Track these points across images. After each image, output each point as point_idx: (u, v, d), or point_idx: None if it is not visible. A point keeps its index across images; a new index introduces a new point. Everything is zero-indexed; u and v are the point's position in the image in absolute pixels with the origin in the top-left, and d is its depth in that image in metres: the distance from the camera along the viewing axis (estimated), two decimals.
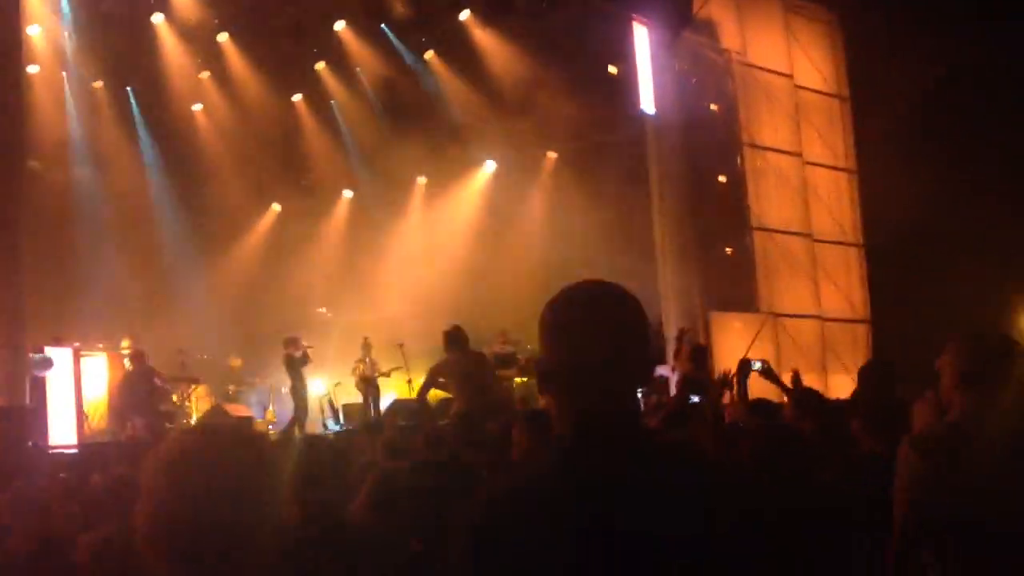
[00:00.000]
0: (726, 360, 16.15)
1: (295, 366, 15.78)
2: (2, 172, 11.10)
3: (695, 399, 7.65)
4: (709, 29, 19.10)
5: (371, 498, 4.43)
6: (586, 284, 2.14)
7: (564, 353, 2.05)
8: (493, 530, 1.93)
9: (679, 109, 17.84)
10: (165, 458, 1.94)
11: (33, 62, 16.68)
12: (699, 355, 12.01)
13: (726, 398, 7.05)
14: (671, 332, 17.53)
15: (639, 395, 2.20)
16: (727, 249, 18.98)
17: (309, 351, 16.04)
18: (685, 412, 5.86)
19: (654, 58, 18.03)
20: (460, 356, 10.13)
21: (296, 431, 15.17)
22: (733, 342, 17.98)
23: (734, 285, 18.66)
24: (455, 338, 10.17)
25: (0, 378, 10.51)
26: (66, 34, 17.00)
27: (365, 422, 11.10)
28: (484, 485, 3.85)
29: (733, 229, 19.05)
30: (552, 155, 20.49)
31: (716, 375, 16.84)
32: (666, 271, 17.77)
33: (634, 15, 17.98)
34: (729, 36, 19.33)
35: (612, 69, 18.48)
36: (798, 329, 18.94)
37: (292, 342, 16.00)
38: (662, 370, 16.71)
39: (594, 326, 2.04)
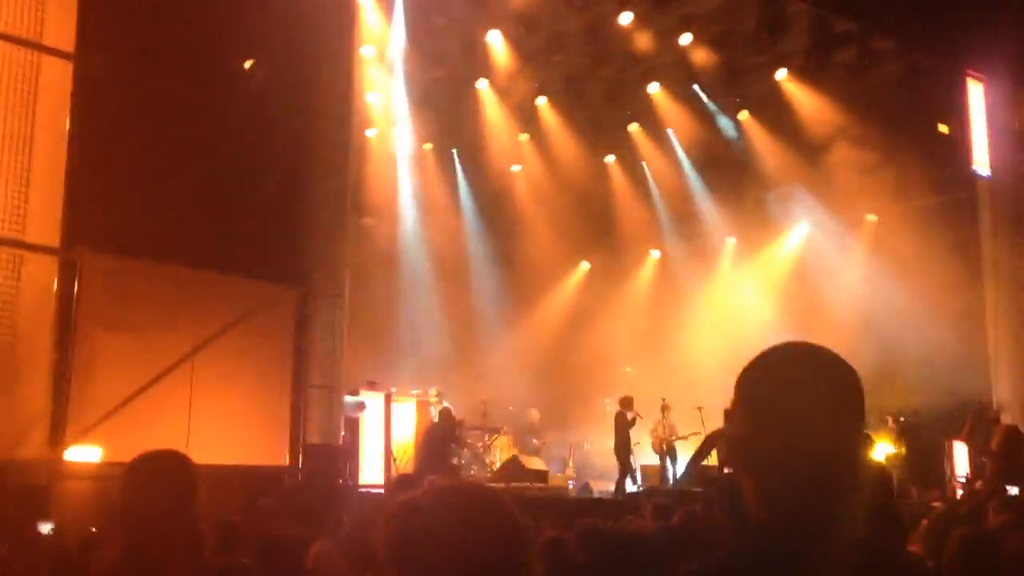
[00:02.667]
0: None
1: (624, 426, 15.98)
2: (331, 227, 12.05)
3: (1014, 491, 6.81)
4: None
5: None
6: (789, 347, 1.87)
7: (754, 426, 1.80)
8: None
9: (1018, 171, 16.41)
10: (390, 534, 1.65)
11: (371, 126, 18.13)
12: (1011, 441, 10.72)
13: None
14: (1002, 412, 16.04)
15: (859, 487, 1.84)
16: None
17: (639, 416, 16.19)
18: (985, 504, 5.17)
19: (990, 116, 16.77)
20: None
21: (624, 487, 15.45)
22: None
23: None
24: None
25: (317, 417, 11.31)
26: (401, 100, 18.30)
27: (649, 488, 10.91)
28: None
29: None
30: (872, 218, 19.35)
31: None
32: (998, 345, 16.32)
33: (968, 70, 16.79)
34: None
35: (942, 127, 17.27)
36: None
37: (627, 402, 16.27)
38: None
39: (793, 400, 1.77)
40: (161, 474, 3.05)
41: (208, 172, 11.26)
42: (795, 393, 1.78)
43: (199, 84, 11.40)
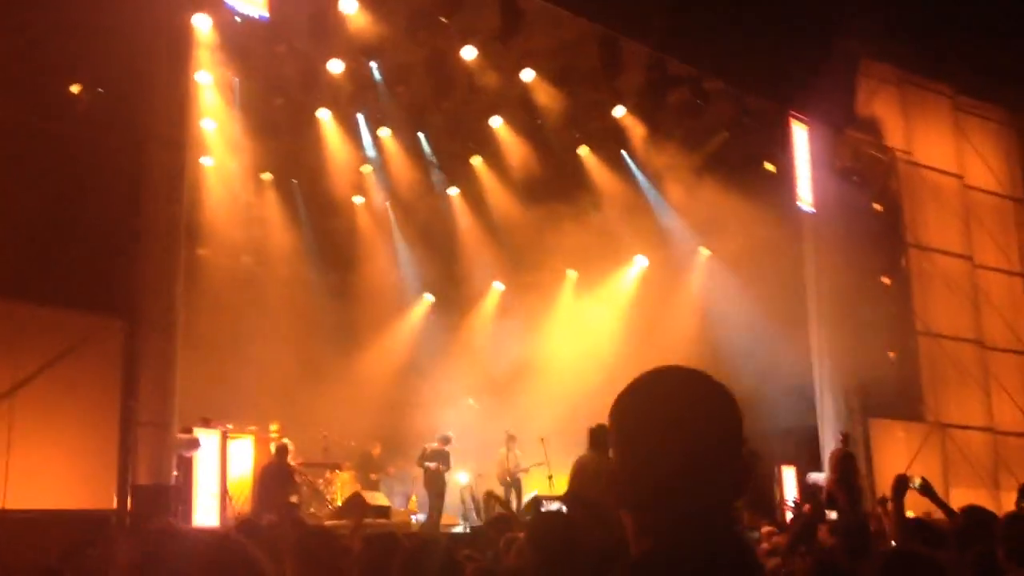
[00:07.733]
0: (886, 470, 15.28)
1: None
2: (163, 257, 11.56)
3: (833, 515, 7.10)
4: (873, 127, 18.63)
5: None
6: (664, 372, 1.75)
7: (634, 460, 1.69)
8: None
9: (839, 208, 17.35)
10: None
11: (206, 154, 17.55)
12: (843, 463, 11.16)
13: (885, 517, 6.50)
14: (826, 437, 16.83)
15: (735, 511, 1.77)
16: (890, 353, 18.12)
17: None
18: (814, 527, 5.38)
19: (813, 155, 17.66)
20: (595, 456, 9.77)
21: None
22: (895, 451, 17.13)
23: (898, 392, 17.83)
24: (596, 438, 9.87)
25: (147, 456, 10.77)
26: (238, 128, 17.78)
27: (492, 518, 10.87)
28: None
29: (897, 333, 18.23)
30: (705, 252, 20.07)
31: (869, 484, 15.92)
32: (822, 373, 17.12)
33: (792, 112, 17.65)
34: (894, 134, 18.80)
35: (769, 166, 18.09)
36: (967, 441, 17.82)
37: (444, 440, 16.86)
38: (816, 477, 15.91)
39: (674, 426, 1.67)
40: None
41: (27, 198, 10.62)
42: (672, 421, 1.68)
43: (19, 106, 10.78)
